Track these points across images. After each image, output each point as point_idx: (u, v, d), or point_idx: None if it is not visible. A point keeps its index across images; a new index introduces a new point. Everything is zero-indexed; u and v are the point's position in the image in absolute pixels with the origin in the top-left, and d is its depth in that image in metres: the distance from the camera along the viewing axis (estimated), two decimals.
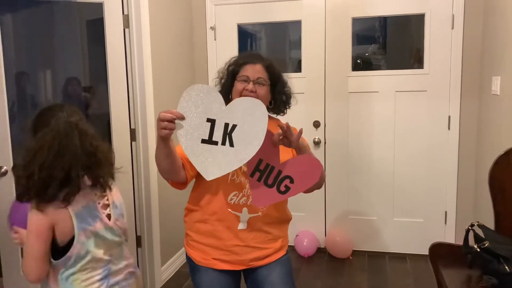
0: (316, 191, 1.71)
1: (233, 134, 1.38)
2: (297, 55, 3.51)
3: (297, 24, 3.46)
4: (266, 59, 1.70)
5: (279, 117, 1.79)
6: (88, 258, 1.37)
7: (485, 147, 3.01)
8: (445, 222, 3.35)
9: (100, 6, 2.66)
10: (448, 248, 2.12)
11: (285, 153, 1.55)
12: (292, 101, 1.78)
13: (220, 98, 1.41)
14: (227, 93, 1.70)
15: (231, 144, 1.39)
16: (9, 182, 2.41)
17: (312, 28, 3.39)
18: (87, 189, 1.39)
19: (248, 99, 1.45)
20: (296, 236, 3.47)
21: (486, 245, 1.80)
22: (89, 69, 3.32)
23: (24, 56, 3.02)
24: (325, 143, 3.45)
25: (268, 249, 1.69)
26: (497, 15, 2.77)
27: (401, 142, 3.35)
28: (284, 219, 1.77)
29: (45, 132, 1.31)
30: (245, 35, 3.71)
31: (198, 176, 1.57)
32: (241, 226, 1.62)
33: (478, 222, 1.95)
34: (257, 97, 1.60)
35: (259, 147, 1.39)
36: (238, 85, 1.65)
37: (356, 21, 3.37)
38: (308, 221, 3.53)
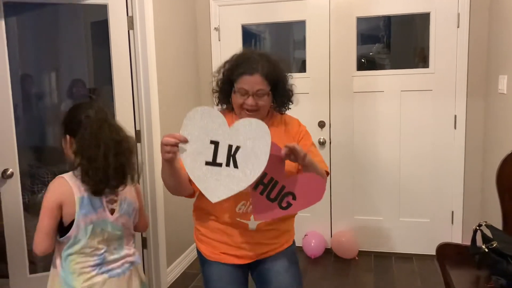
0: None
1: (237, 156, 1.37)
2: (302, 55, 3.50)
3: (301, 24, 3.45)
4: (264, 64, 1.58)
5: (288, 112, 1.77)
6: (83, 243, 1.49)
7: (491, 146, 2.99)
8: (452, 222, 3.33)
9: (104, 7, 2.67)
10: (456, 248, 2.11)
11: (288, 164, 1.51)
12: (293, 97, 1.73)
13: (222, 119, 1.39)
14: (227, 97, 1.67)
15: (235, 166, 1.38)
16: (16, 183, 2.42)
17: (316, 28, 3.38)
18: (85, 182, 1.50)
19: (251, 120, 1.40)
20: (305, 235, 3.45)
21: (494, 245, 1.79)
22: (94, 71, 3.33)
23: (29, 59, 3.03)
24: (330, 143, 3.44)
25: (275, 244, 1.72)
26: (503, 13, 2.75)
27: (407, 142, 3.34)
28: (290, 216, 1.77)
29: (83, 132, 1.48)
30: (249, 35, 3.71)
31: None
32: (251, 227, 1.64)
33: (485, 222, 1.93)
34: (259, 109, 1.58)
35: (263, 168, 1.37)
36: (238, 98, 1.59)
37: (360, 20, 3.36)
38: (314, 222, 3.52)
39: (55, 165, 2.84)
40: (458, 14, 3.12)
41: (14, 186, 2.42)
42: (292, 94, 1.71)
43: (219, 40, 3.57)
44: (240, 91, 1.57)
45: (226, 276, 1.67)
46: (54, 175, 1.59)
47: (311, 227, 3.51)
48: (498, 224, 2.02)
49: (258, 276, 1.74)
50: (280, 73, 1.64)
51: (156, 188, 2.90)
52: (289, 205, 1.46)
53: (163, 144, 1.39)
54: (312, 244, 3.38)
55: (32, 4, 2.69)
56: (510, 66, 2.59)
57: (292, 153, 1.42)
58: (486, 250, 1.80)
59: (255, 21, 3.55)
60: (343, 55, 3.35)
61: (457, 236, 3.31)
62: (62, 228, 1.50)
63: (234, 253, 1.67)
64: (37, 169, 2.86)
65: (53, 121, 1.86)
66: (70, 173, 1.53)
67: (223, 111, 1.67)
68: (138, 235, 2.86)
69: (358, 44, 3.38)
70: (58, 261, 1.53)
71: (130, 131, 2.73)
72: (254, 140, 1.37)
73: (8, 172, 2.38)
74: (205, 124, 1.38)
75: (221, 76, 1.68)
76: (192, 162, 1.39)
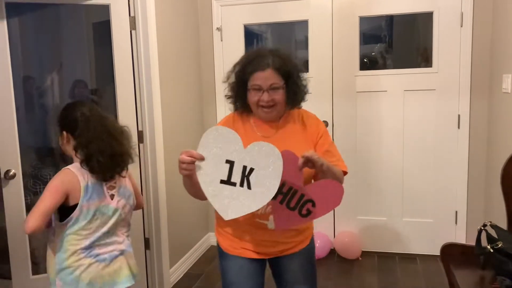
0: None
1: (250, 177, 1.40)
2: (304, 55, 3.49)
3: (303, 24, 3.44)
4: (275, 59, 1.59)
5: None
6: (81, 224, 1.63)
7: (495, 146, 2.97)
8: (456, 222, 3.31)
9: (106, 8, 2.66)
10: (460, 248, 2.10)
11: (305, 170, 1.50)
12: (306, 92, 1.71)
13: (238, 139, 1.42)
14: (243, 100, 1.66)
15: (249, 187, 1.41)
16: (18, 185, 2.42)
17: (319, 27, 3.37)
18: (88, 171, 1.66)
19: (264, 144, 1.41)
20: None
21: (500, 245, 1.77)
22: (96, 72, 3.32)
23: (31, 59, 3.03)
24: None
25: (294, 242, 1.73)
26: (507, 12, 2.73)
27: (410, 142, 3.32)
28: None
29: (83, 125, 1.65)
30: (252, 35, 3.70)
31: None
32: (270, 226, 1.65)
33: (490, 222, 1.92)
34: (275, 104, 1.59)
35: (275, 192, 1.40)
36: (253, 96, 1.60)
37: (363, 20, 3.35)
38: (317, 222, 3.49)
39: (57, 166, 2.84)
40: (462, 13, 3.11)
41: (17, 187, 2.42)
42: (306, 87, 1.70)
43: (221, 40, 3.56)
44: (254, 88, 1.59)
45: (244, 269, 1.70)
46: None
47: (315, 227, 3.49)
48: (503, 224, 2.01)
49: (275, 272, 1.79)
50: (292, 66, 1.63)
51: (159, 189, 2.89)
52: (309, 212, 1.47)
53: (180, 162, 1.43)
54: (317, 245, 3.36)
55: (34, 4, 2.69)
56: None
57: (309, 162, 1.42)
58: (491, 250, 1.79)
59: (257, 21, 3.54)
60: (346, 55, 3.34)
61: (461, 236, 3.29)
62: (64, 211, 1.63)
63: (253, 249, 1.69)
64: (40, 170, 2.86)
65: (55, 122, 1.94)
66: (74, 164, 1.67)
67: (240, 114, 1.70)
68: (140, 236, 2.86)
69: (360, 44, 3.36)
70: (55, 243, 1.67)
71: (132, 131, 2.76)
72: (267, 163, 1.40)
73: (11, 173, 2.38)
74: (222, 143, 1.42)
75: (233, 79, 1.68)
76: (207, 180, 1.43)
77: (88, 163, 1.64)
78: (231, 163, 1.41)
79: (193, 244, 3.49)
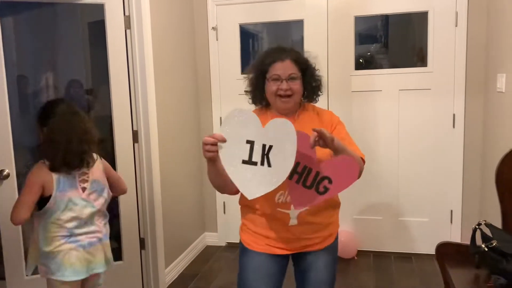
0: None
1: (270, 154, 1.45)
2: None
3: (299, 23, 3.44)
4: (293, 51, 1.70)
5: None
6: (57, 215, 1.77)
7: (490, 145, 2.98)
8: (451, 221, 3.32)
9: (101, 7, 2.65)
10: (455, 247, 2.10)
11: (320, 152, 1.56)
12: (322, 86, 1.81)
13: (257, 120, 1.47)
14: (261, 93, 1.73)
15: (269, 164, 1.45)
16: (12, 185, 2.40)
17: (314, 27, 3.37)
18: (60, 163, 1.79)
19: (278, 120, 1.46)
20: None
21: (494, 244, 1.78)
22: (91, 71, 3.31)
23: (26, 59, 3.01)
24: None
25: (318, 238, 1.72)
26: (501, 11, 2.74)
27: (406, 141, 3.33)
28: (332, 205, 1.78)
29: (56, 119, 1.78)
30: (247, 35, 3.70)
31: None
32: (292, 222, 1.66)
33: (485, 221, 1.93)
34: (293, 93, 1.65)
35: (292, 165, 1.44)
36: (271, 85, 1.66)
37: (358, 20, 3.35)
38: None
39: None
40: (456, 13, 3.11)
41: (11, 187, 2.40)
42: (320, 82, 1.78)
43: (217, 40, 3.56)
44: (273, 78, 1.65)
45: (265, 267, 1.71)
46: None
47: None
48: (498, 223, 2.02)
49: (297, 268, 1.79)
50: (308, 59, 1.73)
51: (154, 189, 2.88)
52: (326, 189, 1.50)
53: (204, 144, 1.48)
54: None
55: (28, 3, 2.67)
56: (509, 64, 2.58)
57: (320, 138, 1.45)
58: (486, 249, 1.80)
59: (253, 20, 3.54)
60: (341, 55, 3.34)
61: (456, 235, 3.30)
62: (42, 201, 1.78)
63: (277, 245, 1.70)
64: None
65: (35, 119, 1.99)
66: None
67: (259, 110, 1.77)
68: (135, 236, 2.85)
69: (356, 44, 3.37)
70: (37, 231, 1.82)
71: (127, 131, 2.75)
72: (282, 138, 1.44)
73: (5, 173, 2.36)
74: (242, 124, 1.47)
75: (252, 74, 1.75)
76: (230, 161, 1.47)
77: (46, 156, 1.80)
78: (251, 143, 1.46)
79: (189, 244, 3.48)
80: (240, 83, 3.50)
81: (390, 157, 3.36)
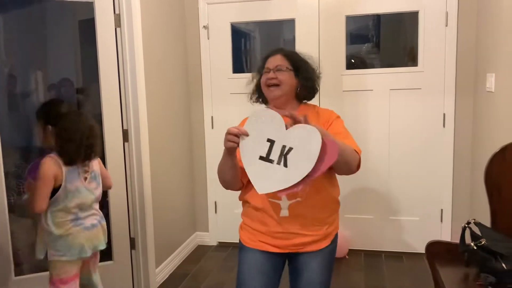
0: None
1: (288, 156, 1.50)
2: None
3: (291, 22, 3.44)
4: (286, 49, 1.83)
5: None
6: (65, 203, 1.97)
7: (480, 144, 3.00)
8: (441, 220, 3.34)
9: (91, 5, 2.63)
10: (445, 246, 2.11)
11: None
12: (318, 84, 1.87)
13: (282, 123, 1.53)
14: (260, 90, 1.84)
15: (285, 165, 1.50)
16: (1, 184, 2.37)
17: (305, 27, 3.37)
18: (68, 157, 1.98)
19: (306, 127, 1.49)
20: None
21: (483, 242, 1.78)
22: (82, 70, 3.29)
23: (16, 57, 2.99)
24: None
25: (312, 235, 1.72)
26: (491, 12, 2.76)
27: (396, 141, 3.34)
28: (329, 202, 1.78)
29: (68, 117, 1.98)
30: (239, 34, 3.69)
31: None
32: (283, 213, 1.68)
33: (474, 219, 1.94)
34: (280, 83, 1.73)
35: (309, 171, 1.48)
36: (262, 78, 1.78)
37: (350, 20, 3.36)
38: None
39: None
40: (447, 13, 3.13)
41: None
42: (315, 80, 1.84)
43: (208, 39, 3.54)
44: (265, 71, 1.78)
45: (258, 264, 1.73)
46: None
47: None
48: (487, 221, 2.03)
49: (292, 269, 1.79)
50: (302, 57, 1.82)
51: (144, 188, 2.86)
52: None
53: (228, 133, 1.54)
54: None
55: (19, 1, 2.64)
56: (498, 64, 2.60)
57: (295, 121, 1.50)
58: (475, 247, 1.80)
59: (245, 19, 3.53)
60: (333, 54, 3.35)
61: (446, 234, 3.32)
62: (52, 192, 1.96)
63: (271, 242, 1.72)
64: (24, 170, 2.82)
65: (37, 116, 2.07)
66: (56, 152, 1.97)
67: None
68: (126, 235, 2.83)
69: (348, 43, 3.37)
70: (45, 218, 1.98)
71: (117, 130, 2.73)
72: (306, 144, 1.48)
73: None
74: (267, 123, 1.53)
75: (255, 77, 1.88)
76: (248, 154, 1.54)
77: (62, 152, 1.96)
78: (271, 142, 1.52)
79: (180, 244, 3.47)
80: (232, 82, 3.53)
81: (381, 156, 3.37)
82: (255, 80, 1.88)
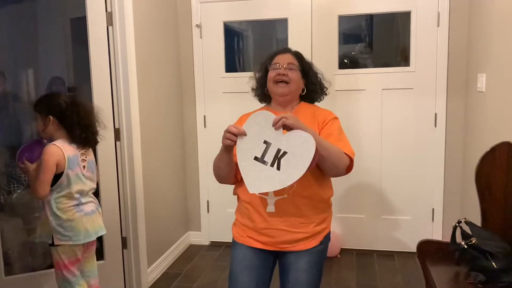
0: None
1: (282, 159, 1.54)
2: None
3: (283, 22, 3.44)
4: (295, 51, 1.89)
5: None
6: (68, 189, 2.05)
7: (471, 144, 3.02)
8: (433, 219, 3.36)
9: (82, 3, 2.61)
10: (436, 245, 2.12)
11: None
12: (327, 90, 1.94)
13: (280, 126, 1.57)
14: (262, 87, 1.89)
15: (278, 168, 1.54)
16: None
17: (298, 26, 3.37)
18: (74, 145, 2.09)
19: (303, 133, 1.53)
20: None
21: (473, 241, 1.80)
22: (74, 68, 3.26)
23: (6, 55, 2.96)
24: None
25: (299, 233, 1.72)
26: (482, 12, 2.78)
27: (388, 140, 3.36)
28: (316, 202, 1.77)
29: (70, 109, 2.05)
30: (232, 33, 3.69)
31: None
32: (269, 209, 1.70)
33: (465, 218, 1.95)
34: (290, 80, 1.77)
35: (300, 177, 1.52)
36: (271, 73, 1.81)
37: (342, 20, 3.37)
38: None
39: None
40: (438, 13, 3.15)
41: None
42: (323, 86, 1.92)
43: (201, 37, 3.54)
44: (273, 66, 1.81)
45: (247, 259, 1.75)
46: None
47: None
48: (478, 220, 2.04)
49: (280, 267, 1.81)
50: (309, 63, 1.89)
51: (136, 187, 2.85)
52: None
53: (226, 131, 1.59)
54: None
55: None
56: (489, 65, 2.62)
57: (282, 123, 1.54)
58: (465, 246, 1.82)
59: (237, 18, 3.53)
60: (325, 54, 3.35)
61: (437, 233, 3.34)
62: (53, 178, 2.03)
63: (258, 238, 1.74)
64: (14, 168, 2.80)
65: (31, 120, 2.11)
66: (59, 140, 2.05)
67: (261, 108, 1.85)
68: (117, 235, 2.82)
69: (340, 43, 3.38)
70: (49, 205, 2.05)
71: (109, 129, 2.71)
72: (300, 150, 1.52)
73: None
74: (265, 126, 1.57)
75: (258, 73, 1.93)
76: (243, 154, 1.58)
77: (73, 137, 2.07)
78: (267, 144, 1.56)
79: (172, 243, 3.46)
80: (225, 81, 3.53)
81: (373, 156, 3.38)
82: (259, 78, 1.93)
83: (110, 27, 2.70)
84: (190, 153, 3.68)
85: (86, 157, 2.15)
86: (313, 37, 3.36)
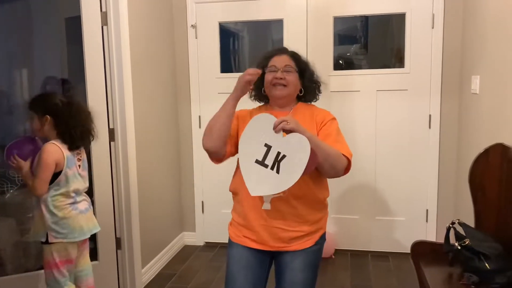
0: None
1: (281, 163, 1.56)
2: None
3: (279, 23, 3.44)
4: (291, 51, 1.87)
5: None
6: (66, 188, 2.07)
7: (465, 146, 3.04)
8: (427, 220, 3.37)
9: (77, 2, 2.60)
10: (430, 246, 2.13)
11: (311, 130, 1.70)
12: (322, 88, 1.94)
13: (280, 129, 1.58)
14: (259, 88, 1.87)
15: (278, 171, 1.56)
16: None
17: (294, 27, 3.38)
18: (67, 145, 2.08)
19: (301, 137, 1.54)
20: None
21: (467, 242, 1.81)
22: (68, 68, 3.25)
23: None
24: None
25: (293, 231, 1.73)
26: (476, 15, 2.80)
27: (383, 141, 3.37)
28: (311, 201, 1.78)
29: (67, 111, 2.07)
30: (227, 33, 3.69)
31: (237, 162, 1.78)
32: (265, 206, 1.71)
33: (458, 220, 1.96)
34: (287, 83, 1.78)
35: (295, 181, 1.54)
36: (268, 76, 1.80)
37: (338, 21, 3.37)
38: None
39: None
40: (433, 15, 3.16)
41: None
42: (320, 84, 1.91)
43: (196, 38, 3.53)
44: (270, 69, 1.81)
45: (244, 259, 1.75)
46: None
47: None
48: (471, 221, 2.05)
49: (276, 267, 1.82)
50: (306, 62, 1.88)
51: (130, 188, 2.84)
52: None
53: (247, 73, 1.68)
54: None
55: None
56: (483, 67, 2.64)
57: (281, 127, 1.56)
58: (459, 247, 1.83)
59: (233, 19, 3.53)
60: (320, 55, 3.35)
61: (431, 234, 3.36)
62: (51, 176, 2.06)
63: (254, 238, 1.75)
64: (7, 169, 2.78)
65: (25, 119, 2.11)
66: (57, 139, 2.06)
67: (259, 108, 1.90)
68: (111, 235, 2.80)
69: (336, 44, 3.39)
70: (45, 203, 2.05)
71: (103, 129, 2.70)
72: (297, 155, 1.54)
73: None
74: (265, 128, 1.59)
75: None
76: (245, 156, 1.62)
77: (68, 137, 2.07)
78: (268, 147, 1.58)
79: (166, 244, 3.45)
80: (220, 81, 3.52)
81: (367, 157, 3.39)
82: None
83: (105, 27, 2.68)
84: (185, 153, 3.68)
85: (81, 156, 2.19)
86: (309, 38, 3.36)
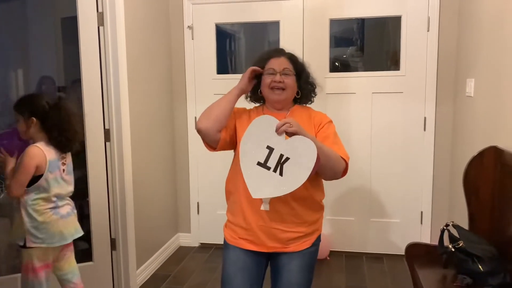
0: None
1: (284, 165, 1.55)
2: None
3: (275, 25, 3.45)
4: (289, 53, 1.86)
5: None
6: (46, 192, 2.03)
7: (459, 148, 3.05)
8: (421, 222, 3.39)
9: (73, 2, 2.59)
10: (424, 248, 2.14)
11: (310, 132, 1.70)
12: (318, 90, 1.93)
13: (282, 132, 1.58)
14: (255, 89, 1.86)
15: (280, 174, 1.55)
16: None
17: (290, 29, 3.39)
18: (54, 148, 2.07)
19: (306, 140, 1.54)
20: None
21: (461, 245, 1.82)
22: (64, 68, 3.24)
23: None
24: None
25: (291, 232, 1.73)
26: (472, 18, 2.82)
27: (378, 143, 3.38)
28: (310, 202, 1.78)
29: (55, 114, 2.04)
30: (224, 35, 3.69)
31: (235, 158, 1.80)
32: (264, 207, 1.70)
33: (453, 222, 1.97)
34: (285, 87, 1.77)
35: (303, 182, 1.53)
36: (266, 78, 1.79)
37: (334, 23, 3.38)
38: None
39: None
40: (428, 18, 3.18)
41: None
42: (315, 86, 1.90)
43: (192, 39, 3.53)
44: (268, 72, 1.79)
45: (240, 261, 1.75)
46: None
47: None
48: (465, 224, 2.07)
49: (272, 269, 1.82)
50: (303, 64, 1.87)
51: (126, 188, 2.84)
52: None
53: (251, 69, 1.77)
54: None
55: None
56: (477, 70, 2.65)
57: (283, 129, 1.56)
58: (453, 249, 1.84)
59: (229, 20, 3.53)
60: (317, 57, 3.36)
61: (426, 236, 3.37)
62: (31, 180, 2.01)
63: (251, 239, 1.74)
64: (1, 169, 2.77)
65: (19, 110, 2.07)
66: (41, 142, 2.03)
67: (256, 108, 1.89)
68: (106, 236, 2.80)
69: (332, 46, 3.40)
70: (24, 206, 2.02)
71: (99, 129, 2.70)
72: (302, 157, 1.53)
73: None
74: (267, 130, 1.57)
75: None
76: (247, 159, 1.60)
77: (54, 140, 2.04)
78: (270, 149, 1.57)
79: (161, 245, 3.44)
80: (216, 83, 3.53)
81: (362, 159, 3.40)
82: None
83: (101, 27, 2.68)
84: (180, 154, 3.67)
85: (65, 160, 2.14)
86: (305, 40, 3.37)
